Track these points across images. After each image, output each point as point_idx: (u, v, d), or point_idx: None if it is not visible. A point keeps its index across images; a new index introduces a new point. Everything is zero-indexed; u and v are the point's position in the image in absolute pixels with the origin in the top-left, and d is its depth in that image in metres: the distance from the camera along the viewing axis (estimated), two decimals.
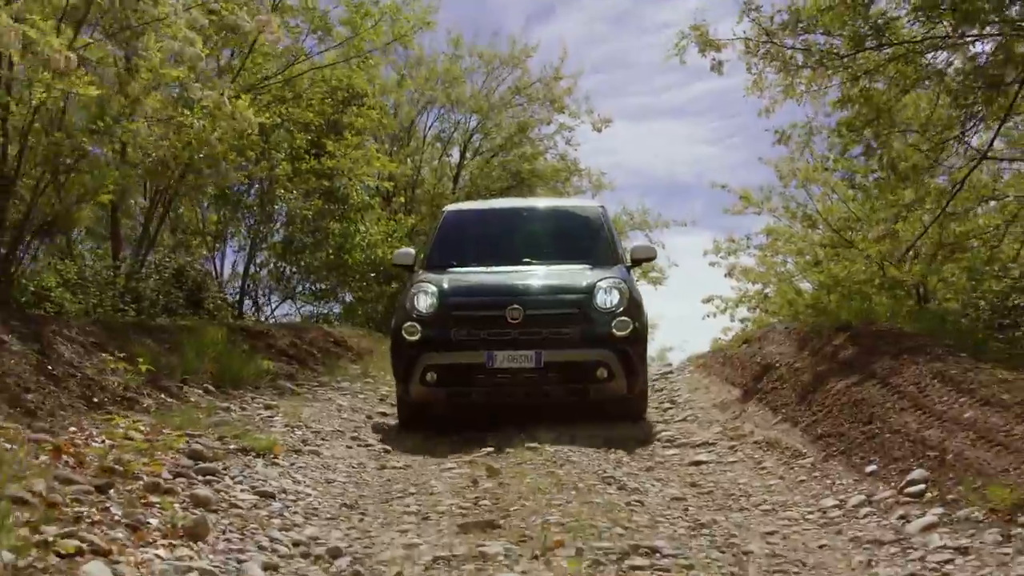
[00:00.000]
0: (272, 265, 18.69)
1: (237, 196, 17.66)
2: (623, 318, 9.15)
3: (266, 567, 4.49)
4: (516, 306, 9.04)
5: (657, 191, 66.27)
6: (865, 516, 6.00)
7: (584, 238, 10.76)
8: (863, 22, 12.71)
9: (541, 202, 13.62)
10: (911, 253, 16.46)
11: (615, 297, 9.25)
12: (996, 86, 11.36)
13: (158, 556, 4.26)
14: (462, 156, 25.33)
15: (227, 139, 11.58)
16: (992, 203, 16.30)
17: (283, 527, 5.25)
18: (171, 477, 5.69)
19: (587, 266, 9.93)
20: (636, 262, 10.50)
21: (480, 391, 9.07)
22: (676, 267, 40.01)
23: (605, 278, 9.44)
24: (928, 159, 13.58)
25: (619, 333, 9.09)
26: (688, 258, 78.13)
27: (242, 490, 5.84)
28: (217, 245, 18.60)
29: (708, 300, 26.61)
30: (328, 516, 5.74)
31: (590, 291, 9.25)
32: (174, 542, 4.53)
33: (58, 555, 3.83)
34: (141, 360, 8.50)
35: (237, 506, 5.46)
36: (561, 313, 9.14)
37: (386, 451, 8.30)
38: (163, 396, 8.99)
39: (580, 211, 11.66)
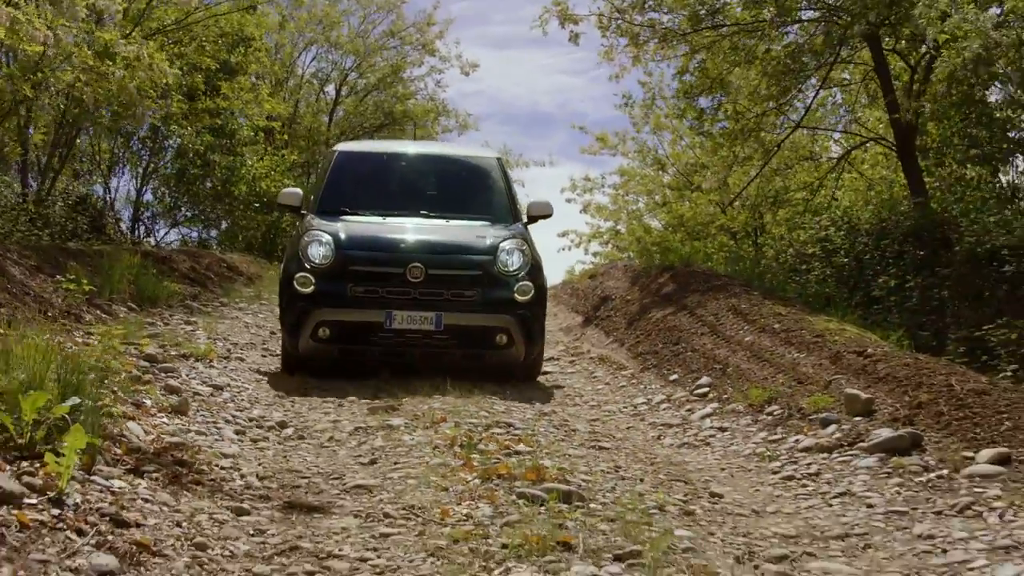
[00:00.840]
0: (165, 194, 20.11)
1: (130, 130, 19.00)
2: (525, 282, 8.90)
3: (236, 432, 6.34)
4: (418, 264, 8.70)
5: (519, 121, 67.56)
6: (664, 409, 8.23)
7: (483, 192, 10.38)
8: (700, 4, 14.86)
9: (437, 148, 13.05)
10: (738, 202, 18.85)
11: (517, 259, 8.98)
12: (799, 70, 13.61)
13: (163, 422, 6.08)
14: (337, 94, 26.88)
15: (145, 87, 13.06)
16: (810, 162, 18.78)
17: (237, 409, 7.09)
18: (140, 374, 7.45)
19: (487, 223, 9.61)
20: (532, 219, 10.03)
21: (375, 351, 8.80)
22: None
23: (507, 238, 9.16)
24: (754, 123, 15.87)
25: (521, 298, 8.84)
26: (547, 192, 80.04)
27: (197, 383, 7.61)
28: (111, 174, 19.93)
29: (564, 234, 28.77)
30: (267, 403, 7.59)
31: (493, 252, 8.94)
32: (167, 416, 6.34)
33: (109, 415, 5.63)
34: (84, 282, 10.13)
35: (199, 394, 7.25)
36: (464, 275, 8.85)
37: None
38: (99, 312, 10.62)
39: (478, 162, 10.93)
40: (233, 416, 6.79)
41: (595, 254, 28.66)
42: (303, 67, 26.54)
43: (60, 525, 3.53)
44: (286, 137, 23.00)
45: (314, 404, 7.70)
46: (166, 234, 20.90)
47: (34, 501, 3.65)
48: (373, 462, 5.63)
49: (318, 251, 8.87)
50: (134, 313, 11.31)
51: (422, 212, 9.69)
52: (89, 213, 17.01)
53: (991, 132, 14.24)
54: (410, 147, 12.33)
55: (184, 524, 4.05)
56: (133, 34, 13.64)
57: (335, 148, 11.20)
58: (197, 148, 19.14)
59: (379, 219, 9.48)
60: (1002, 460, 5.34)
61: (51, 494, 3.78)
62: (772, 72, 13.91)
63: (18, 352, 4.98)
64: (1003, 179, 15.54)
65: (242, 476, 5.14)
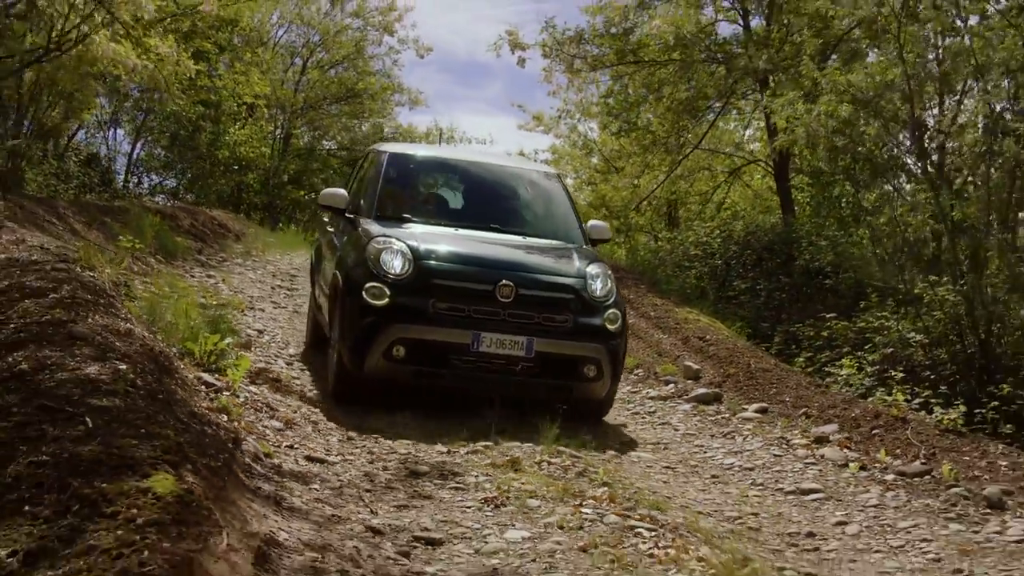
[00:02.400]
0: (162, 153, 23.18)
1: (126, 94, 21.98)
2: (614, 310, 8.35)
3: (286, 363, 9.70)
4: (507, 282, 7.98)
5: (455, 69, 69.40)
6: None
7: (551, 209, 9.82)
8: (624, 42, 18.38)
9: (496, 159, 11.52)
10: (646, 203, 22.46)
11: (606, 285, 8.43)
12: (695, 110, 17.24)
13: (241, 353, 9.42)
14: (304, 66, 29.88)
15: (171, 80, 16.22)
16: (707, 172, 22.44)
17: (279, 348, 10.44)
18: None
19: (562, 243, 9.09)
20: (594, 242, 9.49)
21: (456, 375, 7.99)
22: None
23: (592, 261, 8.64)
24: (663, 138, 19.48)
25: (611, 327, 8.26)
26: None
27: (244, 328, 10.95)
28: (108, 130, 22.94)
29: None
30: (296, 342, 10.93)
31: (582, 276, 8.35)
32: (240, 349, 9.68)
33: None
34: (135, 240, 13.31)
35: (250, 334, 10.58)
36: (556, 298, 8.18)
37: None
38: (141, 264, 13.83)
39: (541, 177, 10.26)
40: (278, 353, 10.14)
41: None
42: (275, 38, 29.54)
43: (247, 405, 6.92)
44: (266, 112, 26.09)
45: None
46: (152, 188, 23.98)
47: (226, 393, 7.02)
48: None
49: (393, 260, 8.07)
50: (162, 265, 14.51)
51: (493, 226, 9.04)
52: (99, 169, 20.03)
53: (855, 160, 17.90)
54: (465, 154, 11.66)
55: (299, 409, 7.47)
56: (161, 32, 16.70)
57: (380, 149, 10.32)
58: (189, 116, 22.19)
59: (451, 230, 8.77)
60: (762, 410, 8.98)
61: (229, 392, 7.16)
62: (674, 108, 17.48)
63: (176, 307, 8.35)
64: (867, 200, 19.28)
65: (305, 390, 8.55)
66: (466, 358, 7.93)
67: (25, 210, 12.97)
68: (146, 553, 3.20)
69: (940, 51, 11.70)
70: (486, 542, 4.84)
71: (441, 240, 8.49)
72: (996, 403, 9.23)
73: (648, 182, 21.70)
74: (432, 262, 8.13)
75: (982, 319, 10.32)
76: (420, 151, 11.20)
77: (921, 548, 5.67)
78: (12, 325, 6.17)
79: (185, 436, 4.71)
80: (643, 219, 22.53)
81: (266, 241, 20.47)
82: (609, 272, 8.61)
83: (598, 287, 8.36)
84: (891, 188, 13.54)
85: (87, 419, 4.43)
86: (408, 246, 8.19)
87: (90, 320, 6.33)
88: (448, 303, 7.97)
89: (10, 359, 5.34)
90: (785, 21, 15.95)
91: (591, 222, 9.84)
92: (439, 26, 63.00)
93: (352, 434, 7.17)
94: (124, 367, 5.44)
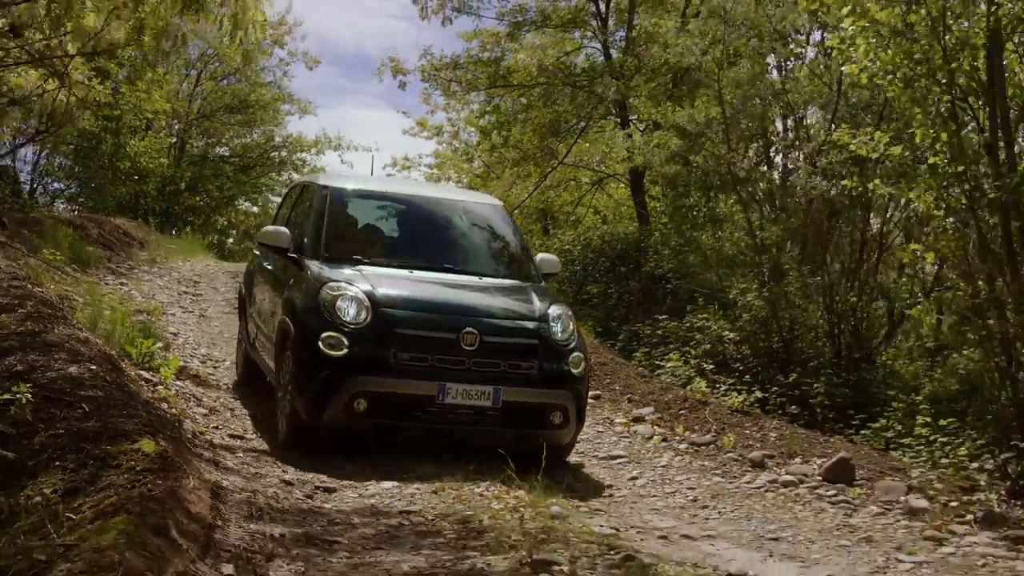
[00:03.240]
0: (63, 162, 24.55)
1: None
2: (577, 353, 8.18)
3: (200, 362, 11.46)
4: (471, 330, 7.75)
5: (343, 63, 70.10)
6: None
7: (500, 245, 9.64)
8: (495, 68, 20.41)
9: (441, 192, 11.56)
10: (519, 211, 24.51)
11: (568, 327, 8.25)
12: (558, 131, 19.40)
13: (164, 355, 11.16)
14: (198, 78, 31.30)
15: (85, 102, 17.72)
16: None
17: (194, 347, 12.19)
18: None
19: (518, 283, 8.86)
20: (544, 277, 9.30)
21: (420, 428, 7.74)
22: None
23: (553, 303, 8.46)
24: (531, 154, 21.57)
25: (575, 371, 8.08)
26: (370, 169, 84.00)
27: (161, 331, 12.67)
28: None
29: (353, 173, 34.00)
30: (206, 344, 12.69)
31: (545, 319, 8.14)
32: (162, 351, 11.41)
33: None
34: (56, 253, 14.87)
35: (167, 336, 12.30)
36: (521, 343, 7.96)
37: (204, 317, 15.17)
38: (60, 274, 15.39)
39: (487, 210, 9.91)
40: (193, 353, 11.90)
41: None
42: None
43: (179, 396, 8.74)
44: (164, 124, 27.54)
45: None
46: (53, 195, 25.31)
47: (161, 387, 8.82)
48: None
49: (350, 308, 7.76)
50: (78, 274, 16.06)
51: (447, 267, 8.76)
52: (9, 181, 21.37)
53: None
54: (408, 187, 11.11)
55: (218, 399, 9.31)
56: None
57: (320, 183, 9.81)
58: (92, 129, 23.58)
59: (405, 272, 8.47)
60: (595, 397, 11.06)
61: (162, 386, 8.96)
62: (539, 130, 19.62)
63: (111, 316, 10.11)
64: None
65: (222, 383, 10.37)
66: (431, 410, 7.63)
67: None
68: (148, 485, 5.06)
69: (760, 91, 13.87)
70: (367, 489, 6.80)
71: (397, 284, 8.14)
72: (784, 389, 11.48)
73: (520, 192, 23.74)
74: (391, 309, 7.80)
75: (784, 320, 12.58)
76: (363, 185, 10.15)
77: (686, 494, 7.78)
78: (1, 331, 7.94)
79: (150, 417, 6.57)
80: (526, 227, 24.61)
81: (167, 248, 21.94)
82: (569, 313, 8.44)
83: (560, 330, 8.15)
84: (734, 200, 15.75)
85: (83, 405, 6.27)
86: (365, 292, 7.85)
87: (56, 331, 8.10)
88: (410, 353, 7.67)
89: (6, 362, 7.13)
90: (637, 52, 18.07)
91: (539, 256, 9.64)
92: (326, 17, 64.14)
93: (264, 418, 9.05)
94: (95, 367, 7.26)
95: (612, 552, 5.07)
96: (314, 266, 8.46)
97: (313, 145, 32.72)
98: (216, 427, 8.19)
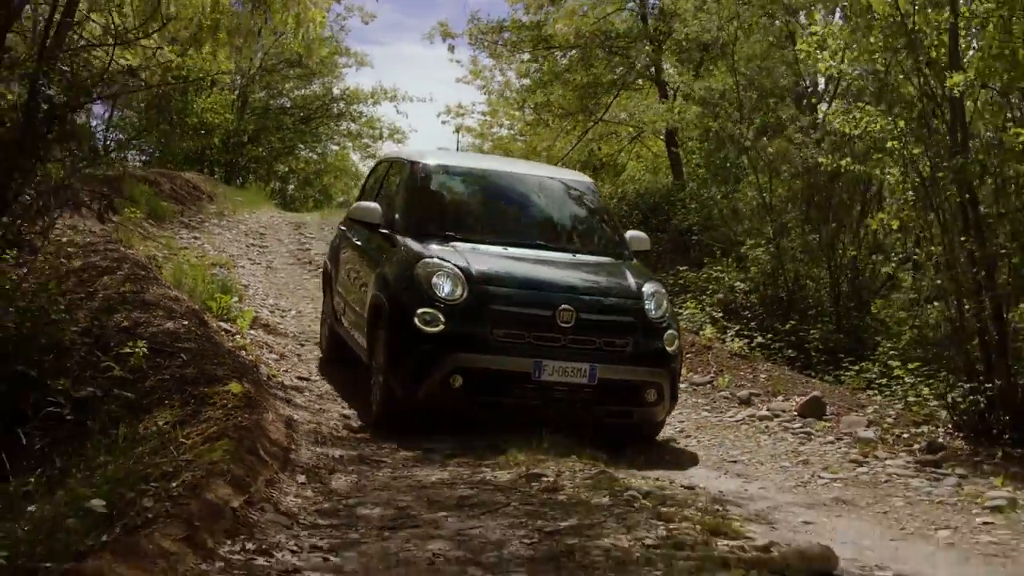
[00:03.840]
0: (134, 122, 26.27)
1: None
2: (672, 331, 8.18)
3: (269, 311, 13.08)
4: (568, 307, 7.75)
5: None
6: None
7: (593, 222, 9.66)
8: (538, 32, 21.76)
9: (532, 168, 10.99)
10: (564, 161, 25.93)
11: (663, 305, 8.25)
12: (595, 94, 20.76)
13: (239, 305, 12.81)
14: (259, 32, 32.78)
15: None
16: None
17: (263, 298, 13.82)
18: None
19: (611, 260, 8.84)
20: (634, 254, 9.22)
21: (518, 405, 7.75)
22: (416, 132, 49.74)
23: (648, 280, 8.43)
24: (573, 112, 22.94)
25: (670, 349, 8.09)
26: (425, 117, 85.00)
27: (233, 283, 14.31)
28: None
29: (439, 149, 35.45)
30: (274, 294, 14.32)
31: (640, 296, 8.13)
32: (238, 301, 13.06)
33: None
34: (136, 211, 16.54)
35: (239, 288, 13.92)
36: (617, 321, 7.97)
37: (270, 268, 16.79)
38: (140, 230, 17.09)
39: (579, 187, 9.89)
40: (263, 303, 13.52)
41: None
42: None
43: (253, 344, 10.37)
44: (228, 80, 29.16)
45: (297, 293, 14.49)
46: (120, 147, 27.06)
47: (238, 336, 10.45)
48: None
49: (446, 284, 7.78)
50: (155, 229, 17.74)
51: (539, 243, 8.78)
52: (87, 139, 23.04)
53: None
54: (498, 164, 11.30)
55: (287, 346, 10.93)
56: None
57: (409, 158, 9.84)
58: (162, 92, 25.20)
59: (500, 249, 8.40)
60: None
61: (238, 336, 10.59)
62: (577, 90, 20.99)
63: (192, 273, 11.76)
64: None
65: (290, 331, 11.99)
66: (528, 387, 7.66)
67: None
68: (239, 418, 6.66)
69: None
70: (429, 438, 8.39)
71: (492, 260, 8.12)
72: (784, 335, 12.90)
73: (564, 144, 25.11)
74: (488, 286, 7.79)
75: (790, 273, 13.98)
76: (453, 161, 10.41)
77: (675, 426, 9.27)
78: (101, 295, 9.61)
79: (234, 363, 8.20)
80: None
81: (233, 200, 23.57)
82: (664, 290, 8.42)
83: (655, 307, 8.12)
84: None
85: (182, 355, 7.94)
86: (460, 268, 7.83)
87: (151, 291, 9.77)
88: (507, 329, 7.69)
89: (115, 319, 8.79)
90: (668, 21, 19.32)
91: (630, 233, 9.54)
92: None
93: (323, 363, 10.67)
94: (187, 323, 8.92)
95: (590, 468, 6.59)
96: (407, 241, 8.45)
97: (370, 96, 34.12)
98: (286, 371, 9.81)
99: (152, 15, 10.57)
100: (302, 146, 34.20)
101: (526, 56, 22.95)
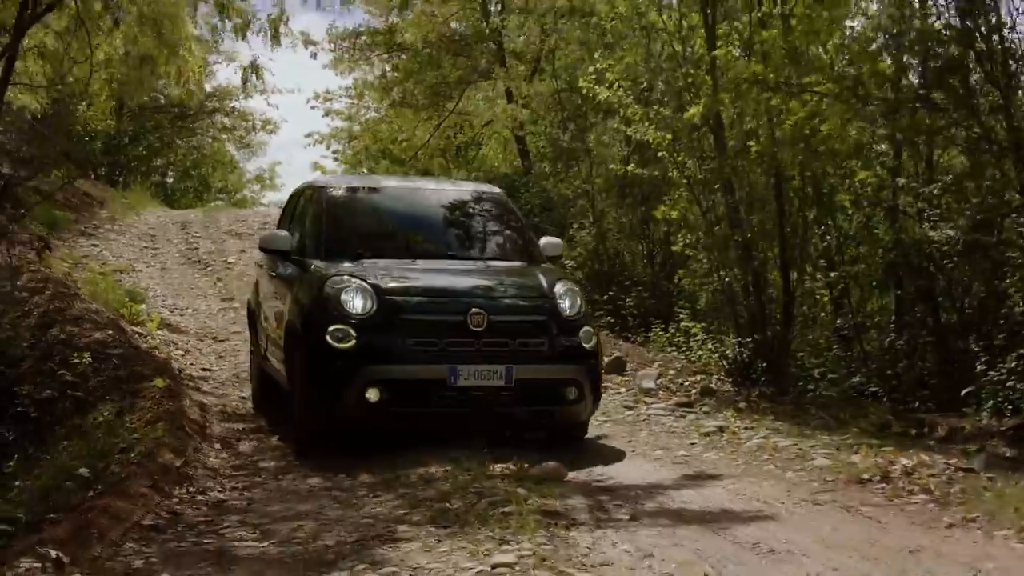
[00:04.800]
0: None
1: None
2: (588, 328, 8.28)
3: (169, 312, 15.30)
4: (478, 310, 7.81)
5: None
6: None
7: (502, 229, 9.73)
8: (390, 38, 24.09)
9: (439, 184, 11.80)
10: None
11: (577, 302, 8.33)
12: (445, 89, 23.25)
13: (151, 312, 15.02)
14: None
15: None
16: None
17: (163, 300, 16.01)
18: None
19: (524, 264, 9.03)
20: (550, 259, 9.40)
21: (437, 413, 7.84)
22: (287, 123, 51.63)
23: (559, 279, 8.53)
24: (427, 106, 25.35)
25: (587, 345, 8.18)
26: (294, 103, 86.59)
27: (133, 286, 16.44)
28: None
29: (308, 135, 37.44)
30: (172, 295, 16.50)
31: (552, 295, 8.23)
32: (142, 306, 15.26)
33: None
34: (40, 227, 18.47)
35: (140, 291, 16.08)
36: (530, 321, 8.09)
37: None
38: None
39: (486, 197, 9.99)
40: (162, 304, 15.72)
41: (334, 151, 37.62)
42: None
43: (162, 343, 12.69)
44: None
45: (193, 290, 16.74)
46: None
47: (148, 338, 12.73)
48: None
49: (355, 299, 7.86)
50: (56, 240, 19.59)
51: (449, 254, 9.00)
52: None
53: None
54: (407, 182, 11.81)
55: (191, 344, 13.25)
56: None
57: (318, 184, 10.18)
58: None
59: (410, 262, 8.61)
60: None
61: (149, 337, 12.87)
62: (428, 89, 23.45)
63: (103, 284, 13.98)
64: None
65: (190, 328, 14.27)
66: (445, 394, 7.71)
67: None
68: (166, 405, 9.01)
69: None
70: None
71: (401, 273, 8.29)
72: (604, 303, 15.59)
73: (423, 133, 27.47)
74: (397, 297, 7.92)
75: (611, 250, 16.69)
76: (359, 182, 10.90)
77: None
78: (35, 313, 11.79)
79: (153, 362, 10.55)
80: (429, 164, 28.45)
81: (121, 203, 25.23)
82: (577, 288, 8.52)
83: (568, 305, 8.22)
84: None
85: (114, 360, 10.25)
86: (369, 283, 7.95)
87: (76, 306, 12.00)
88: (419, 338, 7.75)
89: (51, 332, 11.02)
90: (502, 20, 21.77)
91: (544, 239, 9.67)
92: None
93: (222, 354, 13.01)
94: (111, 332, 11.21)
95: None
96: (317, 263, 8.59)
97: (241, 91, 35.87)
98: (191, 364, 12.15)
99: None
100: (179, 141, 35.89)
101: (383, 57, 25.25)
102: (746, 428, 8.99)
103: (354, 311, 7.81)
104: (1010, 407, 9.02)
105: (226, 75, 40.98)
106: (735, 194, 11.85)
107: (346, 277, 8.06)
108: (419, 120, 26.73)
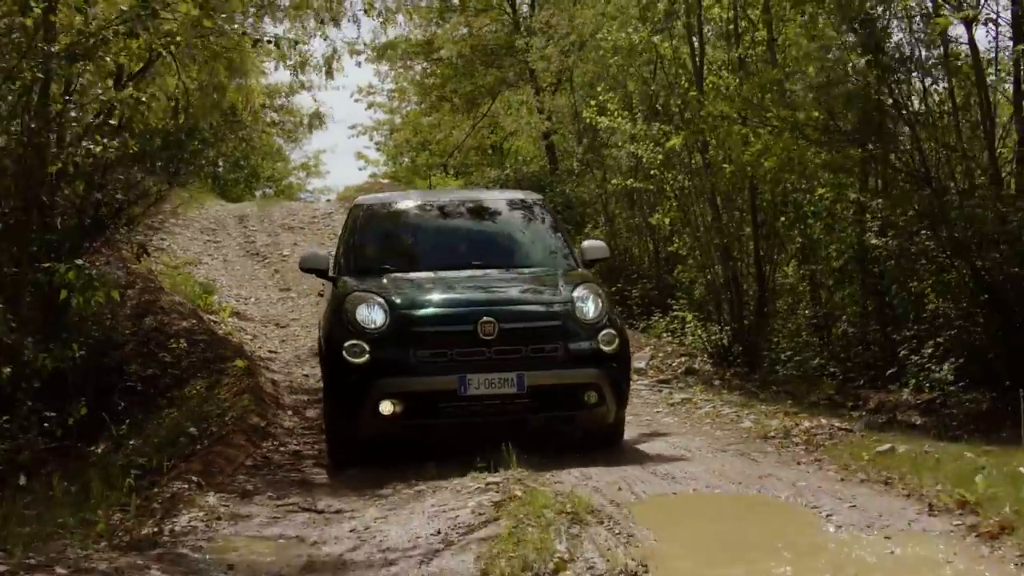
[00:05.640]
0: None
1: None
2: (609, 330, 8.10)
3: (235, 300, 17.65)
4: (488, 318, 7.78)
5: None
6: None
7: (533, 237, 9.57)
8: (428, 49, 26.34)
9: (473, 194, 12.05)
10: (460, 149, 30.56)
11: (597, 306, 8.18)
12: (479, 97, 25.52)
13: (223, 302, 17.39)
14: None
15: None
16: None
17: (227, 290, 18.31)
18: None
19: (546, 270, 8.93)
20: (590, 263, 9.25)
21: (449, 424, 7.93)
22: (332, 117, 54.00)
23: (579, 283, 8.38)
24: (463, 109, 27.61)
25: (607, 349, 8.02)
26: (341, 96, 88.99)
27: (202, 278, 18.75)
28: None
29: (353, 127, 39.51)
30: (236, 285, 18.81)
31: (570, 300, 8.12)
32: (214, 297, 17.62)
33: None
34: None
35: (213, 282, 18.40)
36: (542, 326, 8.02)
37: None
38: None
39: (520, 205, 9.95)
40: (230, 294, 18.03)
41: (377, 142, 39.96)
42: None
43: (234, 330, 15.05)
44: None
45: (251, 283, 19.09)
46: None
47: (223, 325, 15.08)
48: None
49: (368, 313, 8.00)
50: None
51: (474, 263, 8.92)
52: None
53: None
54: (440, 195, 12.01)
55: (257, 330, 15.63)
56: None
57: (356, 203, 10.38)
58: None
59: (431, 274, 8.68)
60: None
61: (223, 324, 15.23)
62: (462, 96, 25.70)
63: (179, 280, 16.40)
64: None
65: (255, 316, 16.63)
66: (456, 404, 7.76)
67: None
68: (247, 381, 11.37)
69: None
70: None
71: (418, 286, 8.40)
72: (611, 295, 17.80)
73: (460, 133, 29.69)
74: (408, 310, 8.01)
75: (620, 247, 18.91)
76: (396, 198, 10.94)
77: None
78: (130, 304, 14.19)
79: (231, 346, 12.92)
80: (467, 160, 30.72)
81: (181, 196, 27.61)
82: (600, 292, 8.36)
83: (589, 309, 8.10)
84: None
85: (201, 344, 12.64)
86: (384, 297, 8.05)
87: (164, 298, 14.39)
88: (429, 350, 7.83)
89: (146, 321, 13.41)
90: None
91: (585, 242, 9.60)
92: None
93: (284, 339, 15.36)
94: (195, 321, 13.60)
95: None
96: (345, 280, 8.72)
97: (288, 88, 38.16)
98: (260, 347, 14.50)
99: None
100: (230, 135, 38.22)
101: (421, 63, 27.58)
102: (705, 400, 11.13)
103: (369, 327, 7.94)
104: (928, 385, 11.17)
105: (276, 77, 42.92)
106: (717, 205, 14.08)
107: (363, 293, 8.21)
108: (455, 121, 28.94)
